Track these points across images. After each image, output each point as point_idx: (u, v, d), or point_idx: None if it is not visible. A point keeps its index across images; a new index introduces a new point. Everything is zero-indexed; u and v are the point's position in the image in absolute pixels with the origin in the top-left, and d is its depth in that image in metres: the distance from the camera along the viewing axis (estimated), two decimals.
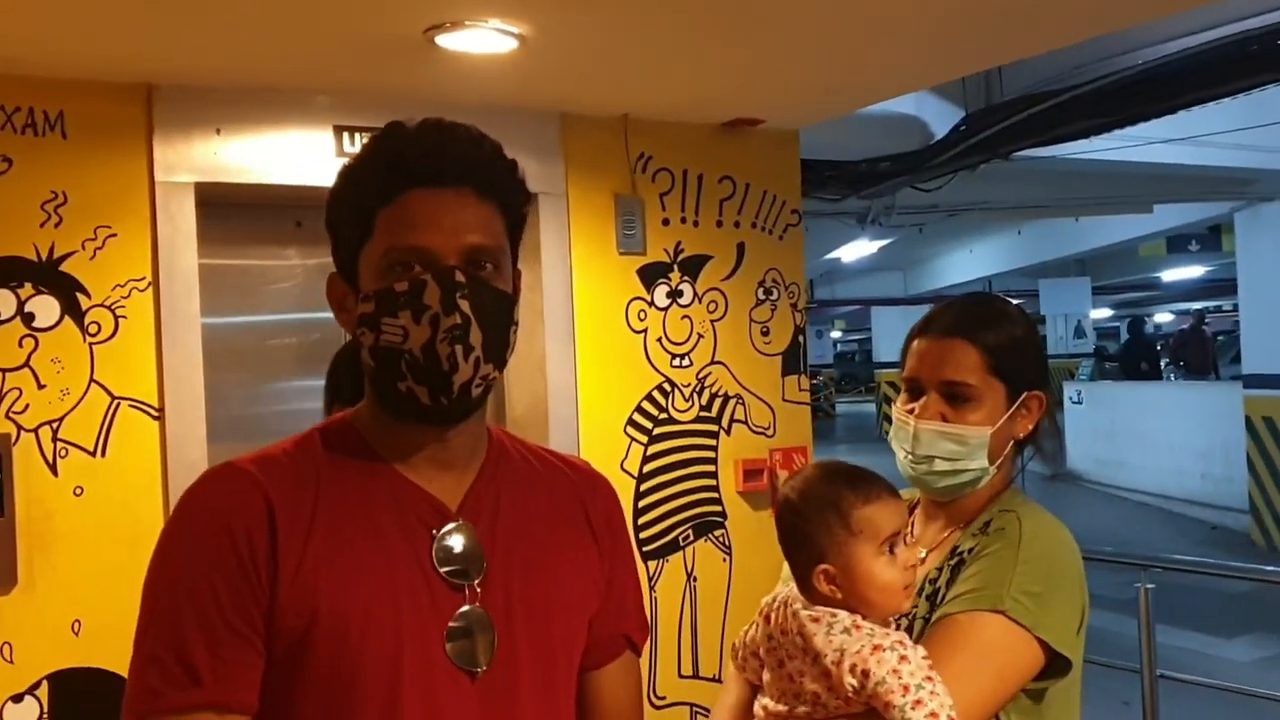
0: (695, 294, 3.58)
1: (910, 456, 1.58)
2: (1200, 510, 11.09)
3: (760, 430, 3.68)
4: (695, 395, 3.56)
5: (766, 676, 1.49)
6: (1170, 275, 18.69)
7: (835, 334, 27.63)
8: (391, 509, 1.19)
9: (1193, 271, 17.81)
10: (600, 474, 1.43)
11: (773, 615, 1.50)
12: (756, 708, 1.50)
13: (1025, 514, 1.54)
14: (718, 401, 3.61)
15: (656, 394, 3.44)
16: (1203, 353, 16.52)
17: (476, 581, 1.20)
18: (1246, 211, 9.50)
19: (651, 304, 3.50)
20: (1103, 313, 30.52)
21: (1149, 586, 3.99)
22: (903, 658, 1.33)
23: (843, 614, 1.41)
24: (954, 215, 9.42)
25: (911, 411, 1.58)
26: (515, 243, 1.33)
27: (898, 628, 1.51)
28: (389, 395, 1.21)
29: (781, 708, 1.44)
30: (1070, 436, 14.70)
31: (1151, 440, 12.32)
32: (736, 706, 1.57)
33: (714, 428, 3.60)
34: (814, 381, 22.64)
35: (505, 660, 1.21)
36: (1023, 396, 1.59)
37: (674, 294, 3.53)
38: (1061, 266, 17.04)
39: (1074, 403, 14.52)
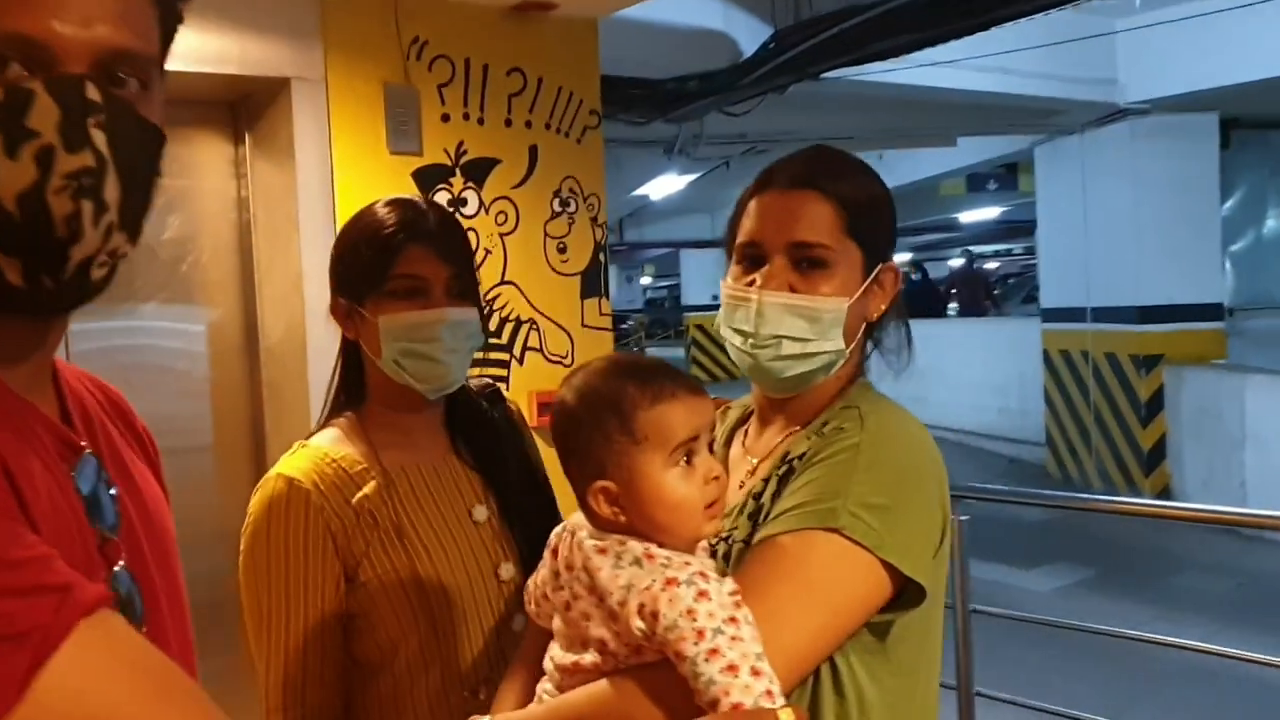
0: (481, 203, 3.14)
1: (751, 340, 1.26)
2: (999, 444, 11.42)
3: (557, 359, 3.30)
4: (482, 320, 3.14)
5: (556, 622, 1.18)
6: (968, 216, 19.35)
7: (645, 279, 27.58)
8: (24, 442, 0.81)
9: (990, 213, 18.45)
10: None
11: (560, 548, 1.19)
12: (545, 659, 1.19)
13: (871, 410, 1.26)
14: (509, 326, 3.20)
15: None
16: (975, 291, 17.05)
17: (114, 536, 0.88)
18: (1047, 146, 9.69)
19: None
20: (903, 256, 31.63)
21: (963, 518, 3.87)
22: (701, 594, 1.06)
23: (634, 542, 1.11)
24: (762, 151, 9.29)
25: (752, 284, 1.26)
26: (165, 54, 0.89)
27: (713, 555, 1.21)
28: None
29: (569, 658, 1.14)
30: (873, 375, 15.00)
31: (952, 377, 12.62)
32: (531, 661, 1.25)
33: (504, 356, 3.19)
34: (623, 326, 22.61)
35: (153, 618, 0.93)
36: (879, 267, 1.29)
37: (456, 202, 3.09)
38: None
39: None
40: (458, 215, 3.09)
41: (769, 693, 1.01)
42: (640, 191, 11.73)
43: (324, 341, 2.84)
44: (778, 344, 1.26)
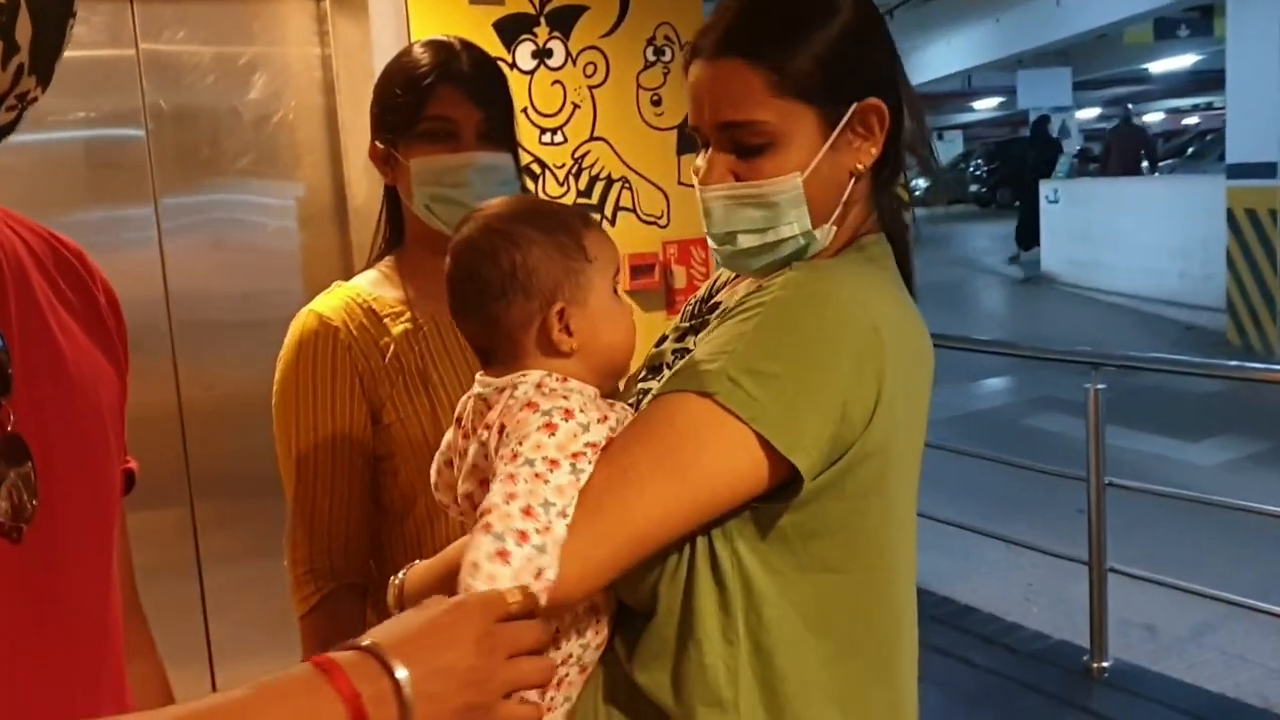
0: (568, 54, 3.01)
1: (711, 235, 1.15)
2: (1176, 311, 10.80)
3: (651, 219, 3.17)
4: (571, 178, 3.03)
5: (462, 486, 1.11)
6: (1158, 67, 17.97)
7: None
8: None
9: (1182, 62, 17.09)
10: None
11: (464, 415, 1.12)
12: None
13: (815, 268, 1.10)
14: (599, 185, 3.09)
15: (524, 177, 2.92)
16: (1131, 152, 15.24)
17: (3, 399, 0.80)
18: None
19: (514, 66, 2.93)
20: (1091, 112, 29.82)
21: (1099, 387, 3.66)
22: (548, 426, 0.99)
23: (534, 372, 1.05)
24: (926, 1, 8.77)
25: (698, 174, 1.14)
26: None
27: (635, 406, 1.13)
28: None
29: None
30: (1045, 238, 14.32)
31: (1128, 239, 11.93)
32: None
33: (595, 217, 3.09)
34: None
35: (48, 510, 0.81)
36: (849, 112, 1.10)
37: (541, 54, 2.97)
38: (1043, 58, 16.28)
39: (1050, 202, 14.03)
40: (544, 67, 2.99)
41: (524, 533, 0.93)
42: None
43: None
44: (733, 239, 1.12)
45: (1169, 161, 20.07)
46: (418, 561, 1.18)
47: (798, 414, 0.99)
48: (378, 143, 1.57)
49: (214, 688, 2.90)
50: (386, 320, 1.53)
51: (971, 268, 16.13)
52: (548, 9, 2.97)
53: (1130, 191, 13.37)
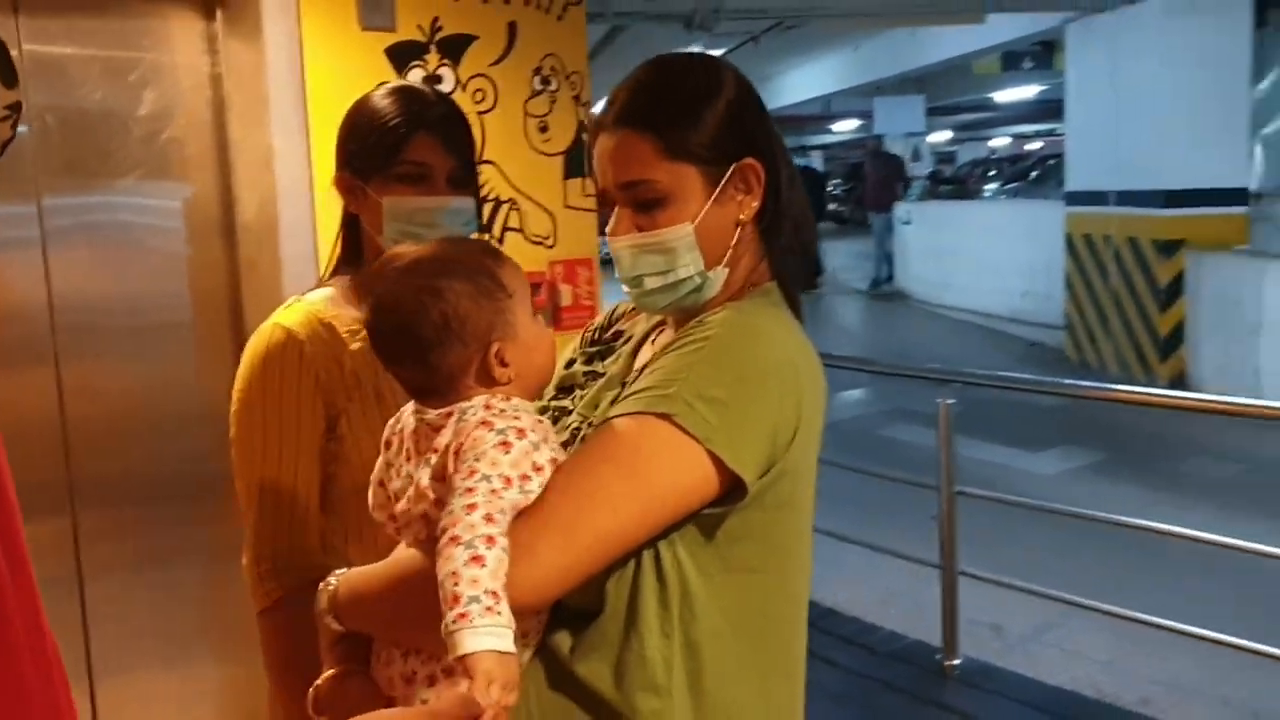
0: (458, 81, 3.10)
1: (623, 281, 1.31)
2: (1020, 328, 11.38)
3: (538, 240, 3.29)
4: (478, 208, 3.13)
5: (397, 506, 1.22)
6: (1004, 96, 18.87)
7: None
8: None
9: (1026, 92, 17.98)
10: None
11: (394, 440, 1.24)
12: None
13: (746, 309, 1.26)
14: (488, 207, 3.19)
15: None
16: (888, 181, 15.68)
17: None
18: (1078, 23, 9.40)
19: None
20: (942, 135, 31.00)
21: (949, 402, 3.90)
22: (503, 444, 1.11)
23: (477, 399, 1.16)
24: (790, 28, 9.07)
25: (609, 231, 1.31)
26: None
27: (573, 438, 1.27)
28: None
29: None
30: (900, 257, 14.92)
31: (977, 259, 12.52)
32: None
33: (484, 236, 3.19)
34: None
35: None
36: (730, 171, 1.28)
37: (431, 80, 3.05)
38: (899, 85, 16.93)
39: (904, 223, 14.64)
40: None
41: (490, 537, 1.04)
42: None
43: (295, 219, 2.87)
44: (640, 283, 1.29)
45: (1013, 185, 21.08)
46: (346, 569, 1.28)
47: (742, 434, 1.16)
48: (345, 174, 1.68)
49: (93, 704, 2.89)
50: (344, 336, 1.64)
51: (830, 284, 16.65)
52: (438, 37, 3.06)
53: (978, 214, 14.07)
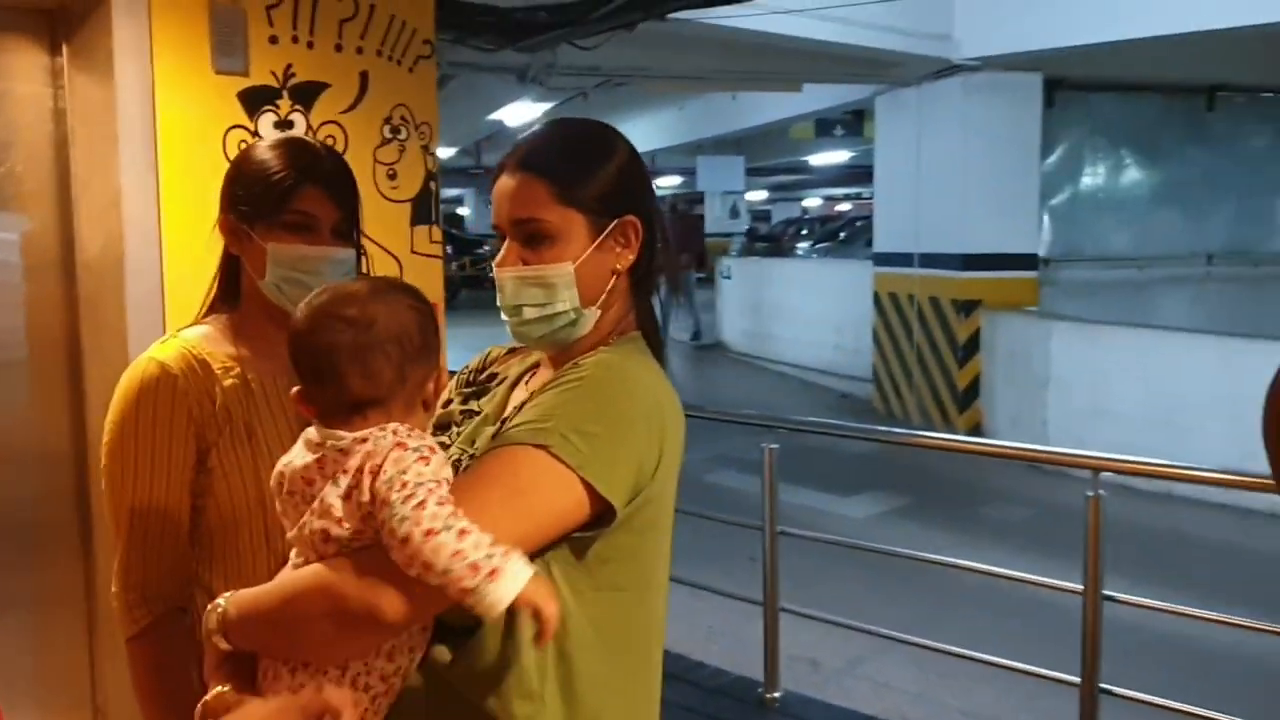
0: (309, 126, 3.15)
1: (504, 311, 1.43)
2: (832, 380, 11.91)
3: None
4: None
5: (290, 535, 1.30)
6: (818, 159, 19.80)
7: None
8: None
9: (838, 156, 18.92)
10: None
11: (288, 476, 1.31)
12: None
13: (617, 353, 1.41)
14: None
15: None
16: (690, 241, 15.52)
17: None
18: (886, 96, 10.02)
19: (256, 134, 3.04)
20: (759, 194, 32.17)
21: (773, 447, 4.12)
22: (422, 458, 1.22)
23: (393, 424, 1.26)
24: (619, 85, 9.35)
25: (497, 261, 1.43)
26: None
27: (456, 467, 1.36)
28: None
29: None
30: (720, 310, 15.40)
31: (793, 314, 13.06)
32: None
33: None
34: (479, 251, 22.37)
35: None
36: (613, 224, 1.42)
37: (283, 125, 3.09)
38: (719, 145, 17.57)
39: (725, 278, 15.13)
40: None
41: (454, 514, 1.17)
42: (495, 116, 11.66)
43: (141, 259, 2.86)
44: (520, 312, 1.41)
45: (824, 244, 22.06)
46: (234, 591, 1.33)
47: (613, 465, 1.29)
48: (230, 217, 1.75)
49: None
50: (218, 372, 1.69)
51: None
52: (291, 83, 3.11)
53: (794, 271, 14.69)
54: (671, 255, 1.53)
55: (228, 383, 1.70)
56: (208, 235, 1.84)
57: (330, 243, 1.73)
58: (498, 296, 1.43)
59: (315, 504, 1.25)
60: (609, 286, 1.43)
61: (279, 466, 1.32)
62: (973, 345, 9.26)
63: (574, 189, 1.39)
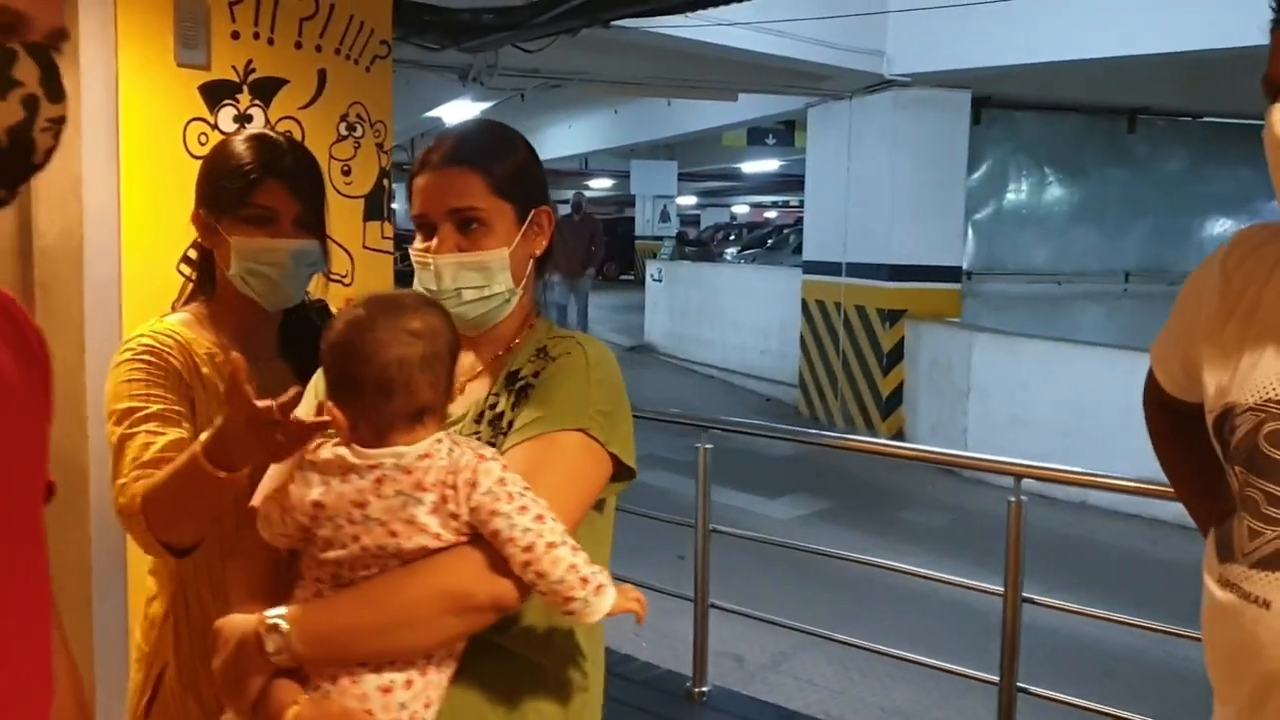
0: (267, 121, 3.19)
1: (439, 295, 1.52)
2: (758, 384, 12.09)
3: (337, 278, 3.38)
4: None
5: (338, 553, 1.33)
6: (749, 167, 20.04)
7: None
8: None
9: (769, 165, 19.17)
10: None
11: (329, 506, 1.33)
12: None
13: (582, 341, 1.58)
14: None
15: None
16: (583, 243, 13.89)
17: None
18: (819, 108, 10.22)
19: (215, 127, 3.08)
20: (689, 199, 32.38)
21: (708, 447, 4.22)
22: (505, 467, 1.34)
23: (444, 438, 1.35)
24: (556, 86, 9.43)
25: (428, 249, 1.53)
26: None
27: None
28: None
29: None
30: (649, 313, 15.53)
31: (720, 318, 13.22)
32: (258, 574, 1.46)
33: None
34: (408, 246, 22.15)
35: None
36: (532, 214, 1.58)
37: (242, 118, 3.14)
38: (652, 150, 17.71)
39: (655, 280, 15.25)
40: (243, 131, 3.17)
41: (566, 530, 1.32)
42: (433, 114, 11.65)
43: (101, 246, 2.89)
44: (458, 294, 1.52)
45: (751, 251, 22.32)
46: (282, 611, 1.34)
47: (627, 437, 1.53)
48: (202, 211, 1.82)
49: None
50: (201, 357, 1.77)
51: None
52: (250, 79, 3.16)
53: (724, 276, 14.84)
54: (564, 243, 1.70)
55: (206, 371, 1.77)
56: (167, 224, 1.90)
57: (291, 234, 1.79)
58: (429, 280, 1.52)
59: (387, 525, 1.31)
60: (528, 271, 1.59)
61: (309, 499, 1.33)
62: (897, 353, 9.50)
63: (503, 181, 1.53)
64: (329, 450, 1.35)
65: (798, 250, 16.62)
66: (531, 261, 1.58)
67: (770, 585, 5.55)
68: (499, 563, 1.31)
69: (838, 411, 10.16)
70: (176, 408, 1.71)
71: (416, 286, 1.53)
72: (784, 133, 13.49)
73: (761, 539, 4.59)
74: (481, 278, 1.52)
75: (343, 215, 3.43)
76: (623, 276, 27.17)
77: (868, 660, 4.51)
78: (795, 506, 7.59)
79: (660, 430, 7.70)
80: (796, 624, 4.25)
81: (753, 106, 11.14)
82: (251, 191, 1.76)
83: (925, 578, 4.07)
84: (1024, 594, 3.45)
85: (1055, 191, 11.00)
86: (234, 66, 3.12)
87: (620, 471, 1.52)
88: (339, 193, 3.40)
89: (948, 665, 3.75)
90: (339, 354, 1.35)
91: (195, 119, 3.05)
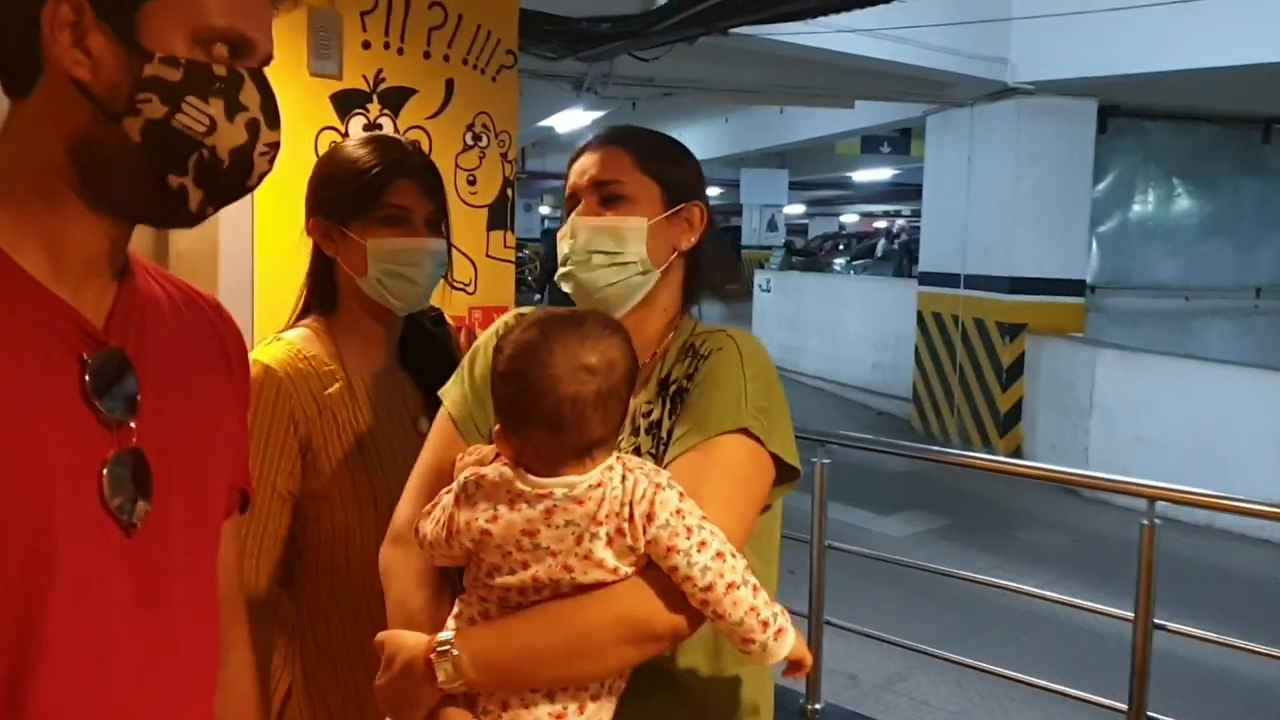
0: (396, 130, 3.25)
1: (571, 259, 1.50)
2: (869, 398, 11.91)
3: (460, 286, 3.44)
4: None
5: (507, 579, 1.28)
6: (860, 176, 19.78)
7: (544, 209, 27.48)
8: (23, 327, 0.93)
9: (882, 174, 18.90)
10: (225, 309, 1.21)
11: (496, 535, 1.27)
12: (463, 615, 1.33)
13: (734, 335, 1.50)
14: None
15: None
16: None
17: (130, 419, 0.99)
18: (938, 116, 10.03)
19: (345, 136, 3.14)
20: (796, 208, 32.16)
21: (825, 462, 4.15)
22: (682, 495, 1.27)
23: (616, 464, 1.29)
24: (668, 94, 9.42)
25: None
26: None
27: None
28: (138, 188, 0.96)
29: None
30: (756, 323, 15.43)
31: (831, 330, 13.06)
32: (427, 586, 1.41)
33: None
34: (520, 255, 22.40)
35: (161, 513, 1.01)
36: (683, 205, 1.54)
37: (372, 127, 3.19)
38: (763, 158, 17.60)
39: (763, 290, 15.16)
40: None
41: (747, 567, 1.26)
42: (546, 123, 11.76)
43: (235, 253, 2.96)
44: (589, 258, 1.49)
45: (861, 260, 22.05)
46: (451, 636, 1.27)
47: (787, 434, 1.43)
48: (320, 219, 1.79)
49: None
50: (324, 375, 1.73)
51: None
52: (380, 88, 3.21)
53: (834, 286, 14.67)
54: (725, 254, 1.66)
55: (333, 386, 1.72)
56: (299, 231, 1.88)
57: (425, 234, 1.76)
58: (566, 245, 1.50)
59: (558, 558, 1.25)
60: (670, 258, 1.53)
61: (477, 525, 1.27)
62: (1016, 369, 9.25)
63: (652, 162, 1.51)
64: (495, 471, 1.29)
65: (911, 261, 16.35)
66: (676, 254, 1.53)
67: (885, 603, 5.44)
68: (678, 592, 1.26)
69: (953, 428, 9.94)
70: (265, 467, 1.67)
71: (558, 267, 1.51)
72: (900, 141, 13.27)
73: (877, 556, 4.49)
74: (615, 243, 1.48)
75: (467, 224, 3.46)
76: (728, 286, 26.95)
77: (985, 682, 4.38)
78: (911, 524, 7.43)
79: None
80: (912, 643, 4.15)
81: (868, 114, 11.00)
82: (385, 191, 1.73)
83: (1050, 600, 3.93)
84: (1156, 620, 3.31)
85: (1184, 203, 10.60)
86: (364, 76, 3.17)
87: (783, 472, 1.43)
88: (464, 202, 3.44)
89: (1073, 691, 3.62)
90: (511, 385, 1.27)
91: (327, 128, 3.11)
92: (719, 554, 1.24)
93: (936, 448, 4.43)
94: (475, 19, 3.39)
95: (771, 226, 21.02)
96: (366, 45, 3.17)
